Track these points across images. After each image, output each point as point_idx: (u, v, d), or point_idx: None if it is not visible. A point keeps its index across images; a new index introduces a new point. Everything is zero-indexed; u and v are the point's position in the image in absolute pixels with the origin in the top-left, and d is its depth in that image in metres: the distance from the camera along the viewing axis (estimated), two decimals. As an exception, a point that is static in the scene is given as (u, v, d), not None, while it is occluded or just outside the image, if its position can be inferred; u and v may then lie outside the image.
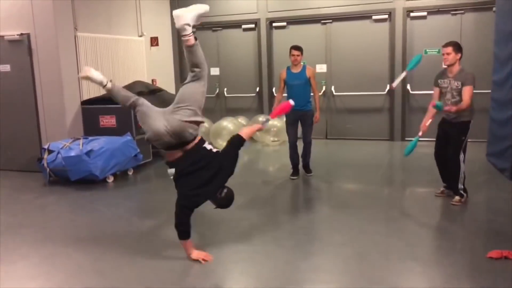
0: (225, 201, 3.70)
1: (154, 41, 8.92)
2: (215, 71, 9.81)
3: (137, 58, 8.41)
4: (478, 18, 7.97)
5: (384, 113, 8.76)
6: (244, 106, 9.66)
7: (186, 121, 3.45)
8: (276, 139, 8.30)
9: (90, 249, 3.96)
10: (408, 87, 8.44)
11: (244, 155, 8.05)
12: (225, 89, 9.76)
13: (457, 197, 4.86)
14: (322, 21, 8.88)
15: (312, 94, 6.10)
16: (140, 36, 8.58)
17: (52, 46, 6.59)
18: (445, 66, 4.76)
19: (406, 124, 8.61)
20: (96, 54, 7.36)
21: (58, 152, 6.00)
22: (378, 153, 7.71)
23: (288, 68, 6.07)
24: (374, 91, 8.64)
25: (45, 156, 6.08)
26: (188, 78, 3.67)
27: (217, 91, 9.83)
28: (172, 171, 3.53)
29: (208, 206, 5.08)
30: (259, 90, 9.48)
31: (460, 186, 4.85)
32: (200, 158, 3.54)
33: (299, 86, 5.92)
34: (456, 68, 4.70)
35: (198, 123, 3.55)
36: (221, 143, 8.19)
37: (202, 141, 3.64)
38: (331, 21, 8.81)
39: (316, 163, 6.90)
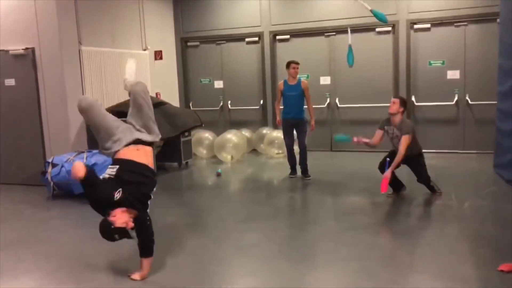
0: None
1: (158, 55, 8.96)
2: (218, 84, 9.82)
3: (141, 71, 8.43)
4: (482, 29, 7.97)
5: (389, 125, 8.71)
6: (248, 118, 9.64)
7: None
8: (280, 151, 8.26)
9: (95, 263, 3.91)
10: (413, 98, 8.41)
11: (248, 168, 8.02)
12: (229, 101, 9.77)
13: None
14: (326, 34, 8.90)
15: (305, 106, 6.72)
16: (144, 49, 8.61)
17: (57, 60, 6.62)
18: (390, 113, 5.45)
19: (411, 136, 8.55)
20: (101, 67, 7.38)
21: (62, 166, 5.98)
22: (383, 165, 7.64)
23: (285, 81, 6.72)
24: (378, 103, 8.60)
25: (49, 169, 6.07)
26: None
27: (221, 103, 9.83)
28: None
29: (211, 219, 5.05)
30: (263, 102, 9.47)
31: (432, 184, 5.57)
32: None
33: (294, 97, 6.59)
34: (398, 118, 5.42)
35: None
36: (225, 156, 8.17)
37: None
38: (334, 33, 8.83)
39: (321, 175, 6.86)
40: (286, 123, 6.69)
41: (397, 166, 5.43)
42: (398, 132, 5.38)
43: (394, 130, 5.46)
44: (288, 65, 6.63)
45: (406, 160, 5.43)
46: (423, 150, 5.64)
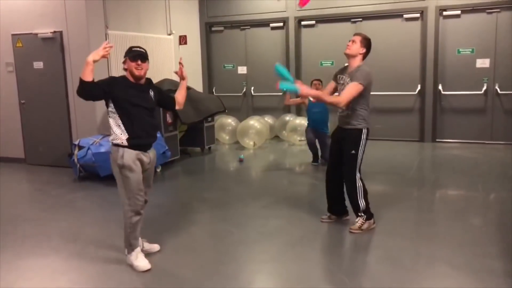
0: None
1: (182, 40, 8.97)
2: (242, 69, 9.80)
3: (166, 56, 8.46)
4: (515, 16, 7.72)
5: (415, 114, 8.58)
6: (271, 105, 9.61)
7: None
8: (302, 138, 8.22)
9: (120, 245, 3.98)
10: (440, 87, 8.24)
11: (270, 154, 8.02)
12: (252, 87, 9.74)
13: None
14: (352, 20, 8.75)
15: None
16: (169, 34, 8.63)
17: (84, 43, 6.69)
18: (346, 53, 4.07)
19: (437, 125, 8.41)
20: (126, 52, 7.41)
21: (88, 148, 6.08)
22: (408, 154, 7.56)
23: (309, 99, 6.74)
24: (405, 91, 8.47)
25: (76, 152, 6.18)
26: None
27: (244, 89, 9.82)
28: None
29: (234, 204, 5.08)
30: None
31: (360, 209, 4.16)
32: None
33: (318, 113, 6.71)
34: (355, 63, 3.99)
35: None
36: (248, 142, 8.18)
37: None
38: (361, 19, 8.68)
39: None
40: (310, 129, 6.88)
41: (322, 102, 4.27)
42: (348, 79, 3.96)
43: (345, 78, 4.01)
44: (311, 83, 6.71)
45: (341, 133, 4.11)
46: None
